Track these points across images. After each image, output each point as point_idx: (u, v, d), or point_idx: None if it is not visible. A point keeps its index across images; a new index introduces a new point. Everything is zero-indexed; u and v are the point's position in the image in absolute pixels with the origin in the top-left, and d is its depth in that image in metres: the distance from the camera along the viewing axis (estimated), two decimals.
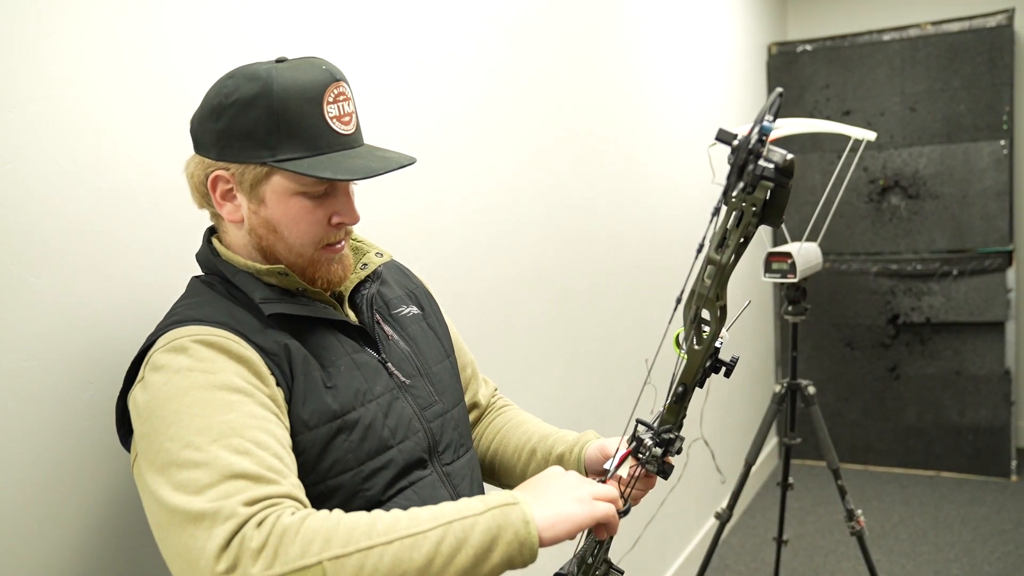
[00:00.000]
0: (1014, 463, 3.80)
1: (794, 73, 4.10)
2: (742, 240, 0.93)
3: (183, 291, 1.03)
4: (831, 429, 4.03)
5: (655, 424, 1.03)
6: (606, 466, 1.06)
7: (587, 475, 1.14)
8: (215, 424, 0.81)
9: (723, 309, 0.95)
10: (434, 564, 0.76)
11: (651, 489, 1.12)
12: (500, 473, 1.26)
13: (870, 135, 2.38)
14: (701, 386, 0.99)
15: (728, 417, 3.53)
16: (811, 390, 2.50)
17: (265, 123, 0.91)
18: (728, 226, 0.93)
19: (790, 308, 2.50)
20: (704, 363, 0.98)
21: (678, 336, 1.00)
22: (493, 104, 1.86)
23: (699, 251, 0.94)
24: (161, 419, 0.83)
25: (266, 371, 0.91)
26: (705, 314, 0.97)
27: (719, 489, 3.41)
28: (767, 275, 2.40)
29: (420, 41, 1.62)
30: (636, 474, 1.04)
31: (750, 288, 3.80)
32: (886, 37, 3.90)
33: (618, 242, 2.50)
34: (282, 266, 0.98)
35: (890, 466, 4.06)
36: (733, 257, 0.93)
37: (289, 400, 0.92)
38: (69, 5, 1.01)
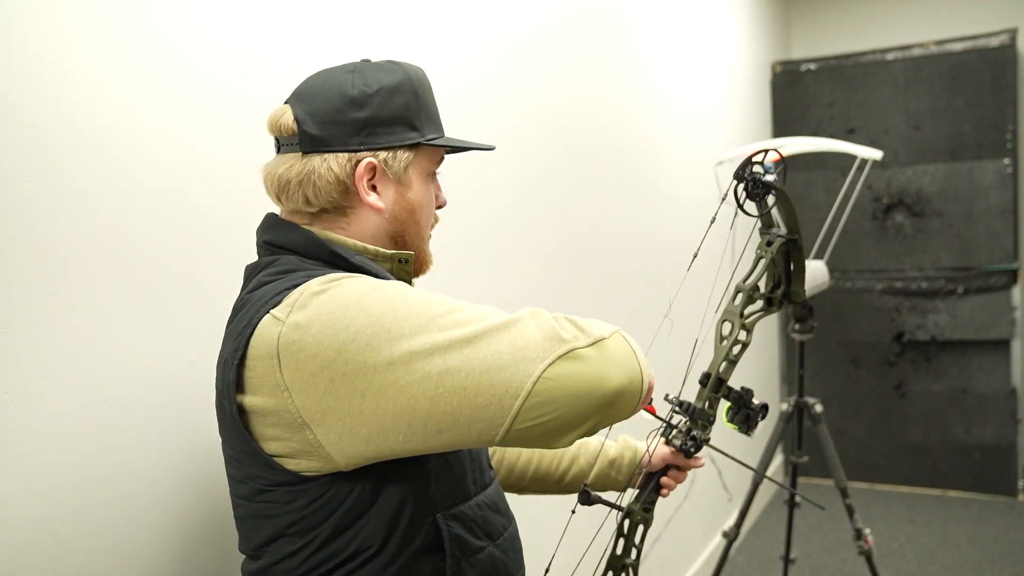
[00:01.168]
0: (1021, 482, 3.78)
1: (798, 91, 4.12)
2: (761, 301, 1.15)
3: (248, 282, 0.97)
4: (837, 447, 4.00)
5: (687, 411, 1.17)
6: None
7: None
8: (441, 299, 0.84)
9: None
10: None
11: (684, 479, 1.27)
12: (534, 481, 1.30)
13: (876, 154, 2.39)
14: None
15: (734, 434, 3.51)
16: (818, 408, 2.50)
17: (413, 107, 0.97)
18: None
19: (797, 326, 2.50)
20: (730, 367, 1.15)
21: (728, 411, 1.19)
22: (501, 122, 1.87)
23: (693, 257, 1.15)
24: (373, 307, 0.81)
25: None
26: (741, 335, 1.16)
27: (726, 507, 3.39)
28: None
29: (428, 62, 1.63)
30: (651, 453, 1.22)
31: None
32: (890, 56, 3.92)
33: (625, 258, 2.50)
34: (411, 252, 1.00)
35: (896, 484, 4.04)
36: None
37: None
38: (84, 24, 1.02)
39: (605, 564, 1.17)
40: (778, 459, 4.19)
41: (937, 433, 3.94)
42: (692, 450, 1.17)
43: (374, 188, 0.96)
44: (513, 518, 1.04)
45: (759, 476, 2.52)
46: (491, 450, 1.27)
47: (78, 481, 1.01)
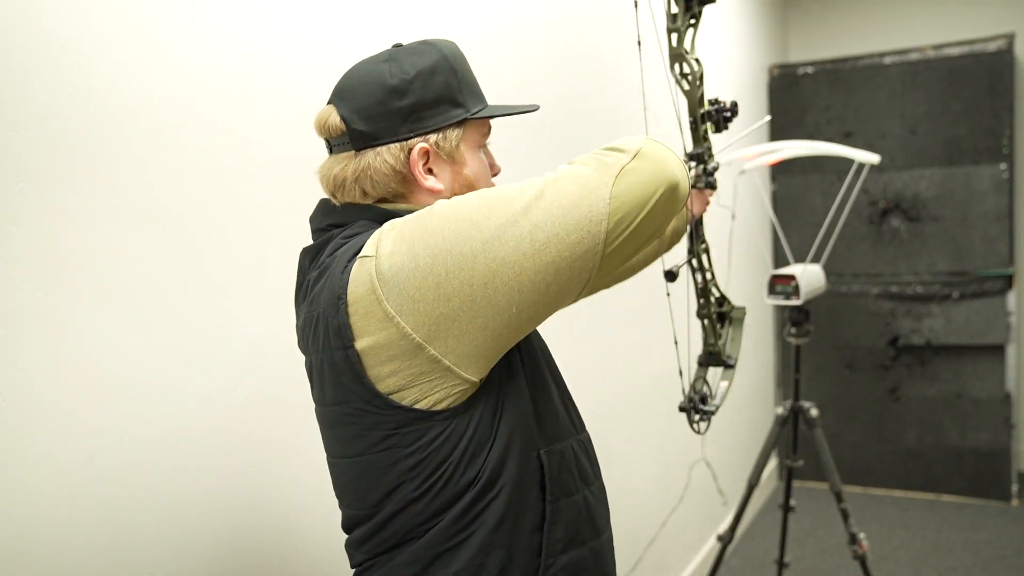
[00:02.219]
0: (1015, 487, 3.79)
1: (795, 95, 4.12)
2: (692, 20, 1.37)
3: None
4: (831, 451, 4.01)
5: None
6: None
7: None
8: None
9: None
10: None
11: (707, 204, 1.48)
12: (630, 269, 1.45)
13: (874, 158, 2.39)
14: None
15: (729, 438, 3.51)
16: (814, 412, 2.49)
17: (453, 84, 0.98)
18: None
19: (793, 330, 2.50)
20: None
21: (710, 129, 1.40)
22: (498, 124, 1.87)
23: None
24: (447, 211, 0.86)
25: None
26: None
27: (720, 511, 3.39)
28: (770, 297, 2.40)
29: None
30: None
31: (751, 308, 3.80)
32: (887, 60, 3.92)
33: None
34: None
35: (890, 488, 4.05)
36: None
37: None
38: (78, 23, 1.01)
39: (699, 295, 1.48)
40: (771, 462, 4.20)
41: (931, 438, 3.94)
42: (714, 183, 1.41)
43: (430, 172, 0.98)
44: (600, 475, 1.08)
45: (754, 479, 2.52)
46: None
47: (72, 481, 1.00)
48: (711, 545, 3.22)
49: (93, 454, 1.02)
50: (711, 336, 1.50)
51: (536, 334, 1.05)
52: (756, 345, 3.98)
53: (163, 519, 1.12)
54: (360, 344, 0.87)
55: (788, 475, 2.64)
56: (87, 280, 1.02)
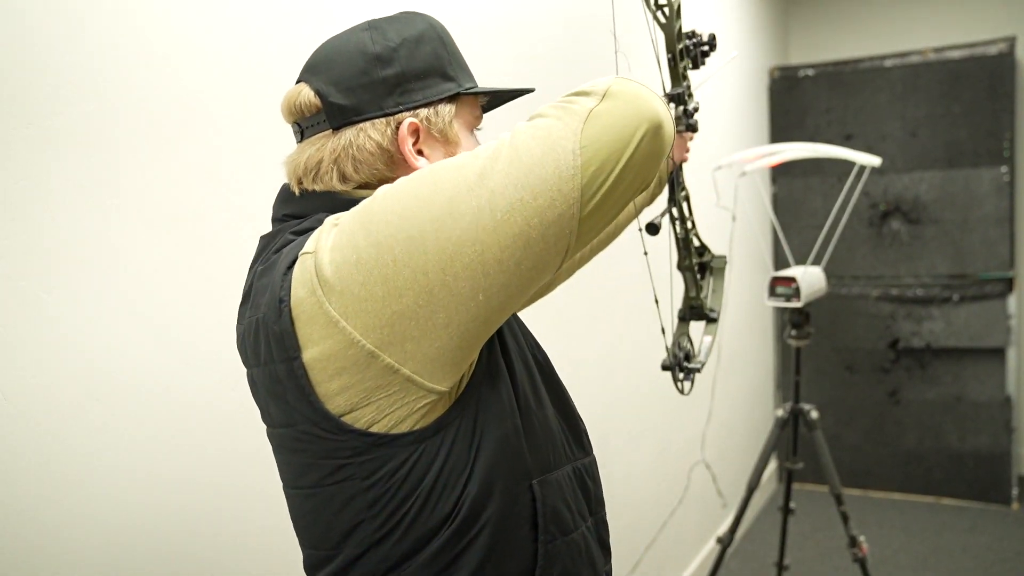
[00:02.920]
0: (1015, 490, 3.78)
1: (796, 97, 4.12)
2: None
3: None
4: (831, 453, 4.00)
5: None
6: None
7: None
8: None
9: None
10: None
11: (687, 151, 1.39)
12: (614, 232, 1.40)
13: (875, 161, 2.39)
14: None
15: (729, 440, 3.51)
16: (814, 415, 2.49)
17: (443, 55, 0.87)
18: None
19: (794, 332, 2.49)
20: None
21: (689, 65, 1.34)
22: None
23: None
24: (391, 193, 0.74)
25: None
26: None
27: (719, 513, 3.38)
28: (771, 299, 2.39)
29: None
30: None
31: (751, 310, 3.79)
32: (888, 63, 3.92)
33: (618, 263, 2.49)
34: None
35: (890, 491, 4.04)
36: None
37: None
38: (82, 21, 1.01)
39: (679, 245, 1.41)
40: (770, 464, 4.19)
41: (931, 441, 3.94)
42: (695, 125, 1.34)
43: (420, 153, 0.85)
44: (603, 500, 0.98)
45: (754, 481, 2.52)
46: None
47: (70, 480, 0.99)
48: (710, 547, 3.21)
49: (93, 453, 1.02)
50: (692, 288, 1.43)
51: (530, 336, 0.95)
52: (756, 347, 3.97)
53: (163, 518, 1.11)
54: (306, 356, 0.74)
55: (788, 477, 2.63)
56: (88, 279, 1.01)
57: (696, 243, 1.45)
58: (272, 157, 1.27)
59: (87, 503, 1.02)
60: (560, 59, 2.10)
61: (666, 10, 1.29)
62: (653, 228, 1.30)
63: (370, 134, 0.83)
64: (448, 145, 0.88)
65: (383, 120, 0.84)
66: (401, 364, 0.73)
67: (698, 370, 1.37)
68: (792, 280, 2.36)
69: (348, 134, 0.83)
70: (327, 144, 0.84)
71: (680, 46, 1.31)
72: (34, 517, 0.96)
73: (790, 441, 2.59)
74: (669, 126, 0.78)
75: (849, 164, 2.42)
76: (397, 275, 0.70)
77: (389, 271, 0.70)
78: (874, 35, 4.30)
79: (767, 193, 4.12)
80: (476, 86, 0.91)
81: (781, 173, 4.14)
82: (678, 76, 1.32)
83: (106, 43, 1.03)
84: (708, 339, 1.40)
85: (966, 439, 3.86)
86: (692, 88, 1.35)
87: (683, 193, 1.42)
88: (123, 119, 1.05)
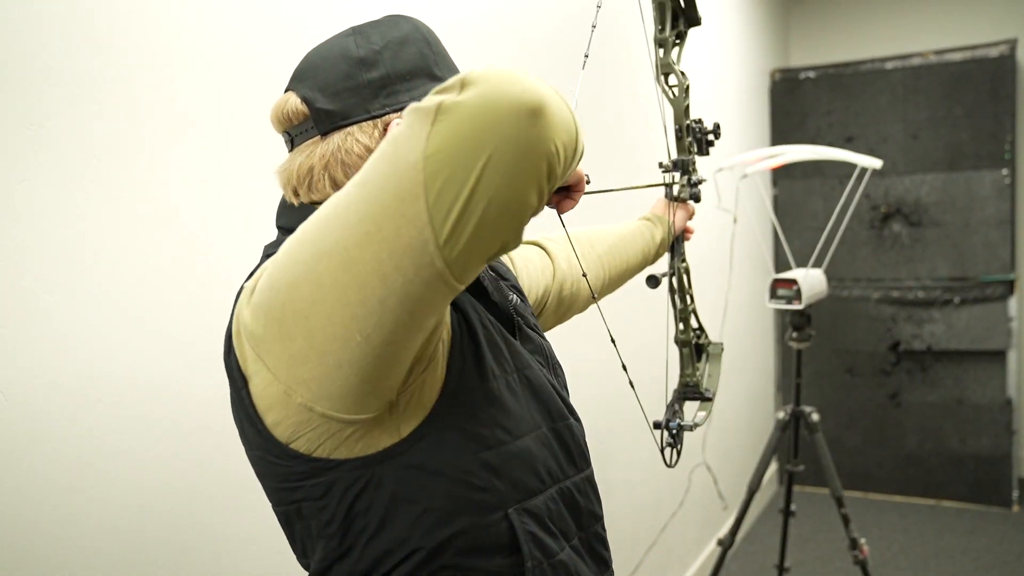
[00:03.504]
0: (1015, 493, 3.78)
1: (797, 99, 4.12)
2: (677, 39, 1.37)
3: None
4: (831, 456, 3.99)
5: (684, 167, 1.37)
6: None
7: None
8: None
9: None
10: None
11: (689, 220, 1.43)
12: (623, 278, 1.41)
13: (876, 163, 2.39)
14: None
15: (729, 442, 3.51)
16: (815, 417, 2.49)
17: (429, 55, 0.86)
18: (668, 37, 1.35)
19: (795, 335, 2.49)
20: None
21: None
22: None
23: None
24: (297, 233, 0.69)
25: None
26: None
27: (720, 515, 3.38)
28: (772, 301, 2.39)
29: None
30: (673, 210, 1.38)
31: (751, 312, 3.79)
32: (889, 65, 3.92)
33: None
34: None
35: (890, 494, 4.04)
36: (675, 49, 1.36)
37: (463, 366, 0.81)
38: (83, 23, 1.01)
39: (677, 318, 1.40)
40: (773, 467, 4.19)
41: (932, 443, 3.94)
42: (698, 196, 1.38)
43: None
44: (602, 510, 0.95)
45: (755, 484, 2.52)
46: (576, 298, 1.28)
47: (72, 482, 0.99)
48: (711, 549, 3.21)
49: (93, 453, 1.02)
50: (688, 367, 1.41)
51: (525, 355, 0.90)
52: (757, 349, 3.97)
53: (164, 519, 1.11)
54: (251, 386, 0.74)
55: (789, 480, 2.63)
56: (88, 279, 1.01)
57: (695, 324, 1.43)
58: (272, 156, 1.27)
59: (87, 504, 1.02)
60: (558, 57, 2.10)
61: (675, 89, 1.36)
62: (653, 280, 1.32)
63: (358, 137, 0.82)
64: None
65: (370, 123, 0.83)
66: (313, 403, 0.71)
67: (690, 429, 1.35)
68: (793, 282, 2.36)
69: (336, 139, 0.83)
70: (316, 150, 0.83)
71: (687, 122, 1.37)
72: (34, 518, 0.96)
73: (791, 443, 2.59)
74: (559, 111, 0.63)
75: (850, 166, 2.42)
76: (285, 318, 0.68)
77: (279, 314, 0.68)
78: (875, 37, 4.30)
79: (768, 195, 4.12)
80: None
81: (782, 175, 4.14)
82: (684, 148, 1.38)
83: (105, 44, 1.03)
84: (703, 414, 1.39)
85: (967, 441, 3.86)
86: (696, 164, 1.40)
87: (683, 264, 1.40)
88: (123, 120, 1.05)
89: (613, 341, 1.08)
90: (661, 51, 1.37)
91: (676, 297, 1.40)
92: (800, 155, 2.34)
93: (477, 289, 0.94)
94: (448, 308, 0.80)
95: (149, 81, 1.08)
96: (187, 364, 1.14)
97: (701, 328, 1.46)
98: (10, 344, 0.93)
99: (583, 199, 0.90)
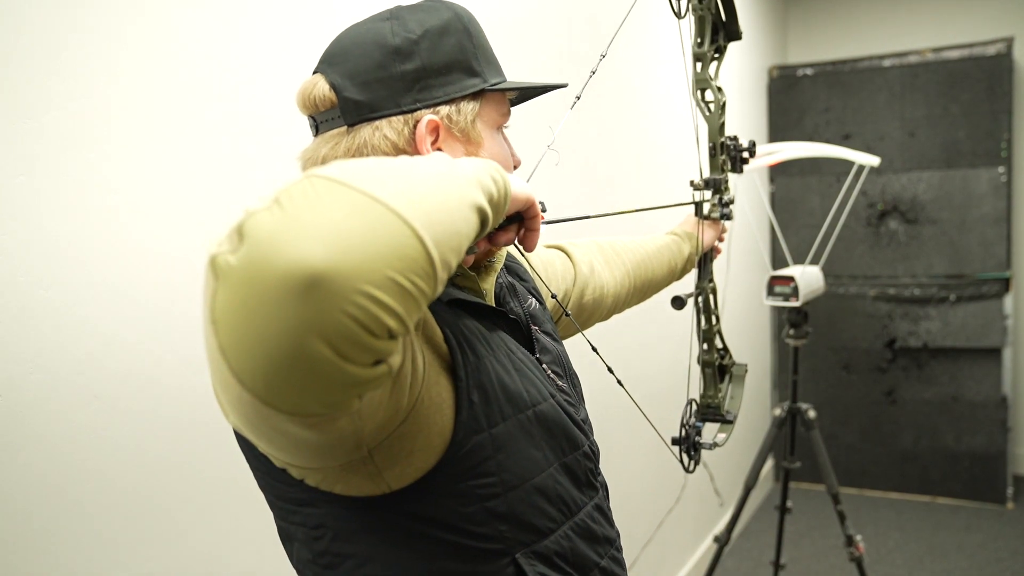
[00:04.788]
0: (1010, 490, 3.80)
1: (794, 96, 4.12)
2: (716, 54, 1.36)
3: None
4: (827, 453, 4.00)
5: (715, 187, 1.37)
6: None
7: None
8: None
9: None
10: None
11: (720, 240, 1.43)
12: (653, 288, 1.38)
13: (874, 160, 2.39)
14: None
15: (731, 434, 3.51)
16: (812, 414, 2.49)
17: (468, 48, 0.82)
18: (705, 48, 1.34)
19: (792, 332, 2.50)
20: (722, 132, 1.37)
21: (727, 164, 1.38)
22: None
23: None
24: None
25: (432, 321, 0.76)
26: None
27: (716, 512, 3.39)
28: (769, 298, 2.40)
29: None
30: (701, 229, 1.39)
31: (748, 309, 3.80)
32: (886, 63, 3.93)
33: None
34: None
35: (886, 491, 4.05)
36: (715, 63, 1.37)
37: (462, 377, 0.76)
38: (79, 16, 1.00)
39: (700, 338, 1.39)
40: (769, 464, 4.20)
41: (927, 440, 3.95)
42: (730, 215, 1.38)
43: (440, 152, 0.77)
44: (616, 536, 0.91)
45: (751, 480, 2.52)
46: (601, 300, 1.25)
47: (69, 478, 0.99)
48: (707, 546, 3.22)
49: (89, 449, 1.02)
50: (711, 388, 1.40)
51: (552, 354, 0.88)
52: (754, 346, 3.98)
53: (160, 516, 1.11)
54: None
55: (785, 477, 2.64)
56: (86, 275, 1.01)
57: (719, 344, 1.43)
58: (268, 153, 1.26)
59: (84, 499, 1.01)
60: (593, 53, 2.10)
61: (712, 105, 1.35)
62: (679, 302, 1.30)
63: (386, 133, 0.78)
64: (470, 145, 0.82)
65: (400, 118, 0.79)
66: (274, 456, 0.70)
67: (709, 448, 1.31)
68: (790, 279, 2.36)
69: (363, 133, 0.79)
70: (342, 143, 0.79)
71: (721, 139, 1.36)
72: (30, 514, 0.96)
73: (787, 440, 2.60)
74: (365, 251, 0.50)
75: (847, 164, 2.42)
76: None
77: None
78: (873, 35, 4.30)
79: (765, 193, 4.13)
80: (504, 81, 0.86)
81: (779, 172, 4.14)
82: (717, 166, 1.37)
83: (102, 37, 1.03)
84: (723, 436, 1.36)
85: (962, 439, 3.87)
86: (729, 184, 1.40)
87: (711, 284, 1.40)
88: (122, 113, 1.05)
89: (595, 350, 1.06)
90: (699, 65, 1.35)
91: (702, 317, 1.39)
92: (798, 152, 2.34)
93: (498, 303, 0.90)
94: (445, 370, 0.75)
95: (146, 74, 1.08)
96: (185, 360, 1.13)
97: (726, 349, 1.45)
98: (6, 340, 0.93)
99: (614, 216, 0.87)
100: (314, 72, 0.83)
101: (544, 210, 0.83)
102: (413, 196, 0.55)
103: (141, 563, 1.08)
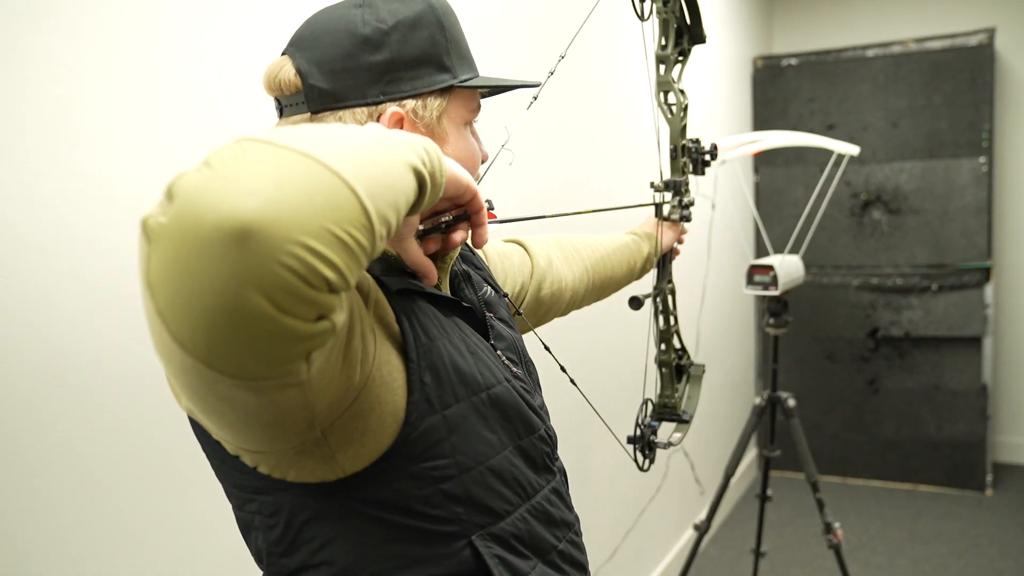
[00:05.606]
0: (989, 477, 3.83)
1: (779, 86, 4.12)
2: (680, 57, 1.36)
3: None
4: (810, 441, 4.02)
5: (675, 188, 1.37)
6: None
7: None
8: None
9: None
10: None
11: (680, 242, 1.44)
12: (609, 287, 1.38)
13: (853, 150, 2.40)
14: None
15: (708, 428, 3.53)
16: (791, 403, 2.51)
17: (440, 42, 0.81)
18: (667, 49, 1.34)
19: (772, 320, 2.51)
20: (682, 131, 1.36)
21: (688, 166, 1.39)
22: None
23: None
24: None
25: (383, 299, 0.76)
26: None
27: (698, 500, 3.41)
28: (749, 287, 2.40)
29: None
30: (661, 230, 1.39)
31: (731, 299, 3.81)
32: (870, 53, 3.94)
33: None
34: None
35: (868, 479, 4.08)
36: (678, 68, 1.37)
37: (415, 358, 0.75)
38: (45, 3, 0.99)
39: (657, 339, 1.40)
40: (752, 452, 4.22)
41: (909, 428, 3.98)
42: (689, 217, 1.39)
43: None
44: (575, 520, 0.92)
45: (731, 470, 2.54)
46: (558, 295, 1.24)
47: (32, 468, 0.99)
48: (690, 535, 3.24)
49: (57, 441, 1.01)
50: (668, 388, 1.40)
51: (505, 369, 0.86)
52: (737, 336, 3.99)
53: (127, 508, 1.11)
54: None
55: (765, 465, 2.65)
56: (54, 264, 1.00)
57: (677, 344, 1.43)
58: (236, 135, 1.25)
59: (46, 491, 1.01)
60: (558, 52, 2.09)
61: (674, 107, 1.35)
62: (636, 302, 1.31)
63: (348, 124, 0.78)
64: (434, 140, 0.80)
65: (364, 110, 0.78)
66: (226, 441, 0.70)
67: (664, 447, 1.32)
68: (770, 268, 2.37)
69: (327, 122, 0.78)
70: None
71: (683, 142, 1.36)
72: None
73: (768, 429, 2.61)
74: (297, 203, 0.50)
75: (832, 154, 2.43)
76: None
77: None
78: (857, 25, 4.31)
79: (748, 182, 4.14)
80: (476, 75, 0.86)
81: (764, 162, 4.15)
82: (678, 168, 1.37)
83: (67, 24, 1.02)
84: (678, 435, 1.36)
85: (943, 427, 3.91)
86: (690, 186, 1.40)
87: (669, 285, 1.40)
88: (87, 102, 1.04)
89: (547, 348, 1.05)
90: (662, 68, 1.35)
91: (660, 317, 1.40)
92: (778, 141, 2.34)
93: (453, 291, 0.91)
94: (397, 351, 0.75)
95: (114, 64, 1.07)
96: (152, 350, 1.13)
97: (683, 349, 1.45)
98: None
99: (573, 217, 0.87)
100: (283, 53, 0.82)
101: (491, 208, 0.83)
102: (344, 152, 0.55)
103: (109, 555, 1.08)
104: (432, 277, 0.81)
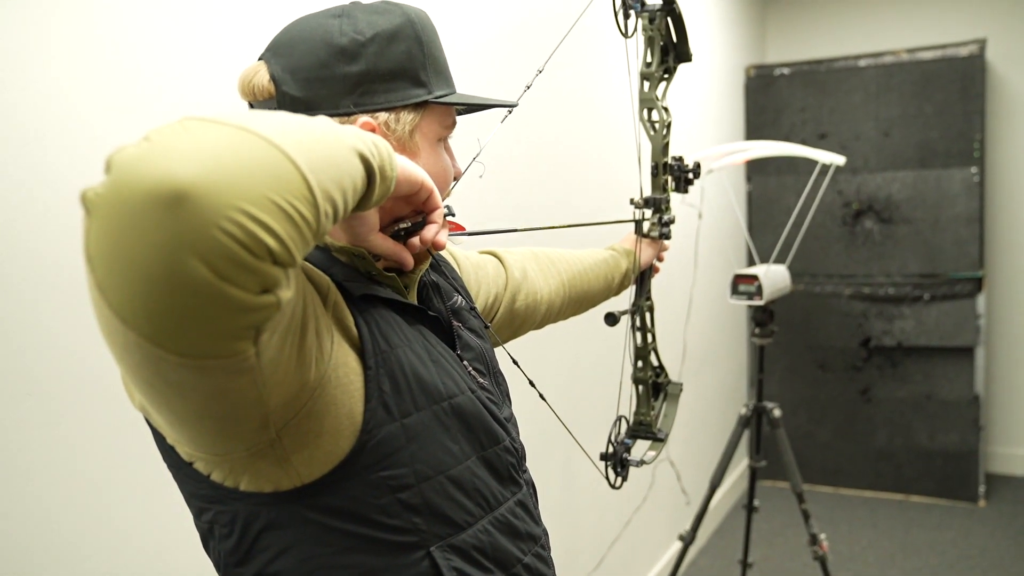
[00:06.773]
0: (982, 488, 3.82)
1: (771, 96, 4.13)
2: (665, 74, 1.37)
3: None
4: (803, 451, 4.03)
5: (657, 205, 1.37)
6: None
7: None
8: None
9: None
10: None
11: (659, 260, 1.45)
12: (585, 303, 1.36)
13: (839, 160, 2.40)
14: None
15: (696, 439, 3.52)
16: (776, 413, 2.50)
17: (417, 57, 0.81)
18: (653, 66, 1.34)
19: (757, 331, 2.50)
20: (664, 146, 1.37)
21: (671, 184, 1.40)
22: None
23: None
24: None
25: (343, 305, 0.76)
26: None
27: (685, 511, 3.40)
28: (734, 297, 2.40)
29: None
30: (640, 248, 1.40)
31: (718, 310, 3.80)
32: (862, 63, 3.94)
33: None
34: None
35: (860, 489, 4.07)
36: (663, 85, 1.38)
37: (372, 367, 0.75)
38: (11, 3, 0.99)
39: (634, 357, 1.39)
40: (743, 463, 4.21)
41: (901, 438, 3.97)
42: (668, 234, 1.38)
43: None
44: (542, 534, 0.91)
45: (716, 479, 2.53)
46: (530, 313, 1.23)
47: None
48: (677, 545, 3.22)
49: (25, 449, 1.01)
50: (643, 406, 1.39)
51: (474, 351, 0.88)
52: (727, 346, 3.99)
53: (95, 515, 1.10)
54: None
55: (752, 475, 2.65)
56: (16, 267, 1.00)
57: (655, 362, 1.42)
58: None
59: (15, 498, 1.01)
60: (560, 62, 2.09)
61: (657, 125, 1.35)
62: (611, 319, 1.30)
63: None
64: (405, 153, 0.81)
65: (336, 119, 0.78)
66: (175, 444, 0.71)
67: (637, 465, 1.32)
68: (754, 278, 2.37)
69: None
70: None
71: (664, 159, 1.36)
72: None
73: (754, 439, 2.61)
74: (234, 171, 0.50)
75: (824, 163, 2.43)
76: None
77: None
78: (849, 35, 4.32)
79: (736, 191, 4.14)
80: (452, 92, 0.85)
81: (756, 171, 4.15)
82: (658, 186, 1.37)
83: (33, 26, 1.02)
84: (652, 454, 1.35)
85: (935, 437, 3.89)
86: (671, 203, 1.40)
87: (648, 303, 1.40)
88: (56, 106, 1.04)
89: (516, 363, 1.04)
90: (647, 85, 1.35)
91: (638, 334, 1.39)
92: (763, 151, 2.35)
93: (420, 301, 0.90)
94: (356, 355, 0.74)
95: (84, 66, 1.07)
96: None
97: (661, 367, 1.44)
98: None
99: (551, 231, 0.87)
100: (259, 58, 0.82)
101: (451, 214, 0.83)
102: (286, 129, 0.56)
103: (76, 562, 1.07)
104: (408, 262, 0.81)
